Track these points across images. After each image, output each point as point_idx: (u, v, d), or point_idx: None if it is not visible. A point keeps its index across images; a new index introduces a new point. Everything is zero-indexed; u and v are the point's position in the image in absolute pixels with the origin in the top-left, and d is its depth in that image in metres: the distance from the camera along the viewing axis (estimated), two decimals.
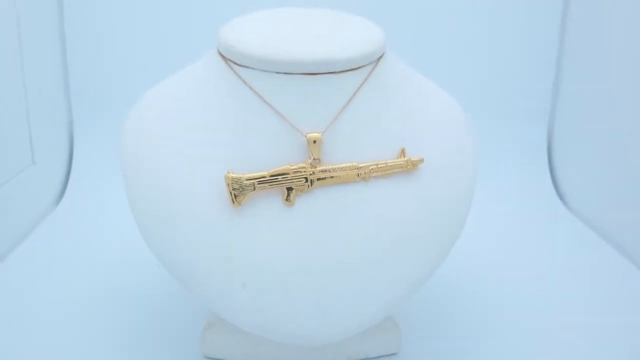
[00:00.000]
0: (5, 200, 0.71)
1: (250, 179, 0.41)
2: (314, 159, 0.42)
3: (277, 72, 0.42)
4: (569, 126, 0.93)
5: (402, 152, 0.44)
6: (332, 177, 0.42)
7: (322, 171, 0.42)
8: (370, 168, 0.43)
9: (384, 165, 0.43)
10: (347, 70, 0.43)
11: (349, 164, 0.42)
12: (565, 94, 0.94)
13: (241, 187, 0.41)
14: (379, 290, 0.42)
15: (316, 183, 0.42)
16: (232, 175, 0.41)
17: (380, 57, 0.46)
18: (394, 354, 0.52)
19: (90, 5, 0.88)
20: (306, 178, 0.42)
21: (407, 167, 0.43)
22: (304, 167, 0.42)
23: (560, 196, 0.89)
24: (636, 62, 0.76)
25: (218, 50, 0.46)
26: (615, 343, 0.55)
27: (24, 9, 0.76)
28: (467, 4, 0.92)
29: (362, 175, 0.43)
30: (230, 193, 0.41)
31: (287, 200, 0.42)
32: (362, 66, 0.44)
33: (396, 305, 0.43)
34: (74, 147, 0.90)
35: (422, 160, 0.44)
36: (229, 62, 0.44)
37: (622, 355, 0.53)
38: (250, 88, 0.43)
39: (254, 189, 0.41)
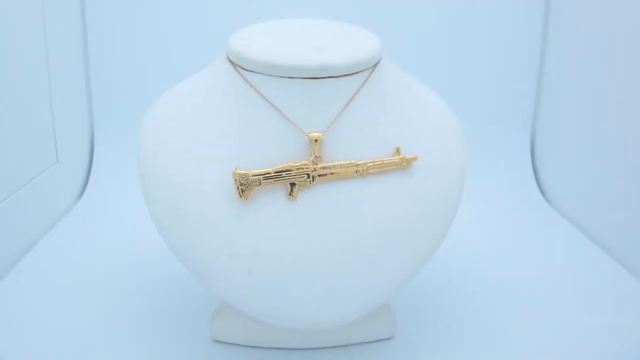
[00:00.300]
0: (30, 196, 0.74)
1: (256, 175, 0.43)
2: (315, 156, 0.44)
3: (281, 77, 0.45)
4: (551, 128, 0.94)
5: (397, 151, 0.46)
6: (332, 173, 0.44)
7: (322, 168, 0.44)
8: (368, 165, 0.45)
9: (380, 162, 0.45)
10: (345, 75, 0.46)
11: (347, 162, 0.45)
12: (547, 97, 0.95)
13: (248, 182, 0.43)
14: (375, 279, 0.44)
15: (317, 179, 0.44)
16: (239, 171, 0.43)
17: (377, 63, 0.48)
18: (389, 339, 0.55)
19: (112, 11, 0.92)
20: (308, 174, 0.44)
21: (402, 165, 0.46)
22: (306, 164, 0.44)
23: (545, 196, 0.91)
24: (617, 64, 0.77)
25: (227, 56, 0.48)
26: (600, 340, 0.55)
27: (49, 13, 0.79)
28: (450, 14, 0.95)
29: (360, 171, 0.45)
30: (238, 188, 0.43)
31: (290, 194, 0.44)
32: (360, 71, 0.46)
33: (391, 294, 0.46)
34: (94, 146, 0.94)
35: (415, 158, 0.46)
36: (237, 67, 0.47)
37: (608, 353, 0.54)
38: (257, 91, 0.45)
39: (260, 184, 0.43)
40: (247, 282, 0.43)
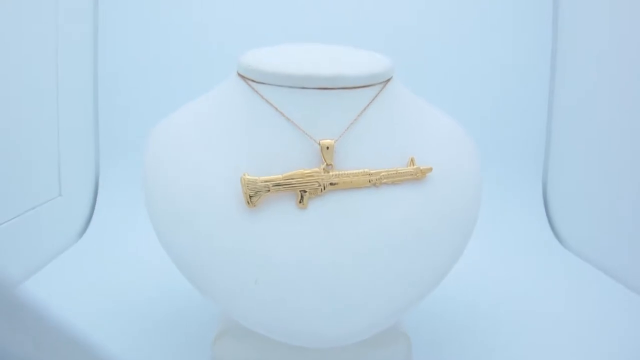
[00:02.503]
0: (30, 230, 0.72)
1: (265, 182, 0.42)
2: (327, 164, 0.43)
3: (292, 87, 0.44)
4: (563, 168, 0.95)
5: (412, 161, 0.45)
6: (344, 182, 0.43)
7: (334, 176, 0.43)
8: (382, 174, 0.44)
9: (395, 172, 0.44)
10: (358, 87, 0.45)
11: (360, 170, 0.43)
12: (557, 135, 0.96)
13: (256, 188, 0.42)
14: (387, 293, 0.42)
15: (329, 187, 0.43)
16: (247, 177, 0.42)
17: (389, 80, 0.48)
18: None
19: (123, 43, 0.94)
20: (319, 182, 0.43)
21: (417, 175, 0.44)
22: (317, 172, 0.43)
23: (556, 234, 0.91)
24: (626, 101, 0.78)
25: (238, 72, 0.48)
26: None
27: (62, 41, 0.80)
28: (456, 55, 0.98)
29: (373, 181, 0.43)
30: (246, 194, 0.42)
31: (300, 203, 0.42)
32: (372, 85, 0.46)
33: (405, 310, 0.43)
34: (99, 181, 0.93)
35: (430, 169, 0.45)
36: (247, 81, 0.46)
37: None
38: (267, 102, 0.45)
39: (269, 190, 0.42)
40: (253, 292, 0.41)
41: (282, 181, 0.42)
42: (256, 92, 0.45)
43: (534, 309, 0.65)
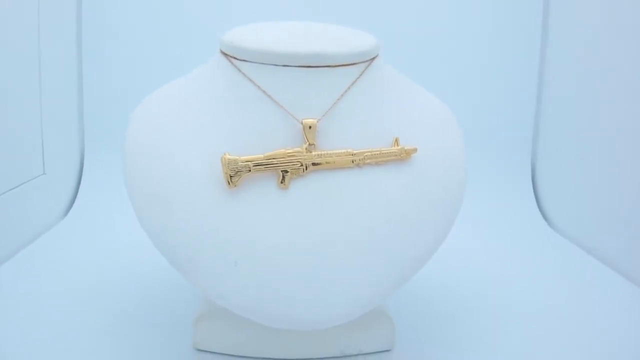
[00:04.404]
0: (13, 208, 0.71)
1: (245, 162, 0.41)
2: (309, 144, 0.42)
3: (275, 65, 0.43)
4: (552, 149, 0.94)
5: (396, 142, 0.44)
6: (327, 162, 0.42)
7: (317, 156, 0.42)
8: (365, 155, 0.43)
9: (378, 152, 0.43)
10: (342, 65, 0.44)
11: (343, 150, 0.43)
12: (547, 116, 0.96)
13: (237, 168, 0.41)
14: (371, 274, 0.41)
15: (311, 167, 0.42)
16: (228, 157, 0.41)
17: (374, 58, 0.47)
18: (387, 351, 0.50)
19: (108, 22, 0.92)
20: (301, 162, 0.42)
21: (401, 156, 0.44)
22: (300, 152, 0.42)
23: (544, 216, 0.90)
24: (618, 82, 0.77)
25: (220, 50, 0.47)
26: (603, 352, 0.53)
27: (44, 18, 0.78)
28: (450, 33, 0.96)
29: (356, 161, 0.43)
30: (226, 174, 0.41)
31: (281, 183, 0.42)
32: (356, 63, 0.45)
33: (388, 293, 0.42)
34: (84, 160, 0.91)
35: (415, 150, 0.44)
36: (230, 58, 0.45)
37: None
38: (250, 80, 0.43)
39: (249, 170, 0.41)
40: (233, 273, 0.40)
41: (263, 161, 0.41)
42: (238, 70, 0.44)
43: (520, 293, 0.64)
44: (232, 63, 0.45)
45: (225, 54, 0.46)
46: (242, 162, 0.41)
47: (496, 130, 0.97)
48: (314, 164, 0.42)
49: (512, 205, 0.91)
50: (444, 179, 0.45)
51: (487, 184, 0.92)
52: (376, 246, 0.42)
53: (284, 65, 0.43)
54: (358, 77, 0.45)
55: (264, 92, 0.43)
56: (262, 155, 0.41)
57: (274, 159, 0.41)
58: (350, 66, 0.44)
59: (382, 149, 0.43)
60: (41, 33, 0.78)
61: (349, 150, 0.43)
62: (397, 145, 0.44)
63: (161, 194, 0.42)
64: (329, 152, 0.42)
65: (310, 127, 0.42)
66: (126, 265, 0.67)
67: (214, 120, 0.44)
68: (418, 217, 0.43)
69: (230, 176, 0.41)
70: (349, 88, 0.44)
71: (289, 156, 0.42)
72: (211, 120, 0.44)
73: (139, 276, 0.64)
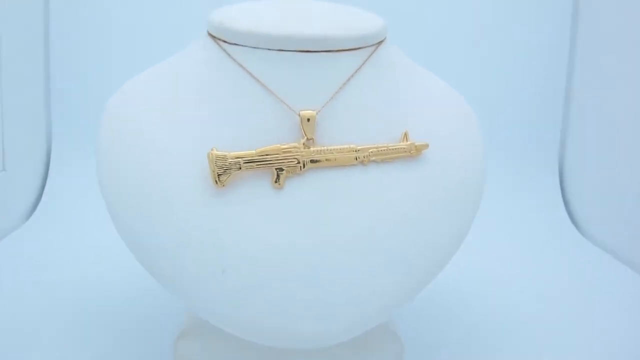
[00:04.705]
0: None
1: (235, 158, 0.41)
2: (307, 138, 0.42)
3: (270, 49, 0.43)
4: (582, 143, 0.95)
5: (405, 136, 0.44)
6: (327, 159, 0.42)
7: (315, 152, 0.42)
8: (370, 151, 0.43)
9: (385, 148, 0.43)
10: (344, 50, 0.44)
11: (346, 146, 0.42)
12: (576, 117, 0.96)
13: (225, 166, 0.41)
14: (376, 285, 0.41)
15: (309, 165, 0.42)
16: (216, 152, 0.41)
17: (381, 42, 0.47)
18: None
19: (75, 9, 0.92)
20: (298, 159, 0.42)
21: (411, 152, 0.44)
22: (296, 147, 0.42)
23: (574, 220, 0.91)
24: None
25: (208, 31, 0.47)
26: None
27: (5, 7, 0.78)
28: (472, 14, 0.96)
29: (360, 158, 0.43)
30: (213, 172, 0.41)
31: (276, 182, 0.42)
32: (361, 47, 0.45)
33: (396, 306, 0.43)
34: (51, 155, 0.90)
35: (427, 146, 0.44)
36: (218, 41, 0.45)
37: None
38: (240, 66, 0.43)
39: (240, 168, 0.41)
40: (221, 284, 0.40)
41: (255, 157, 0.41)
42: (228, 54, 0.44)
43: (549, 307, 0.65)
44: (220, 47, 0.45)
45: (213, 36, 0.46)
46: (232, 159, 0.41)
47: (519, 125, 0.97)
48: (312, 161, 0.42)
49: (536, 208, 0.91)
50: (460, 178, 0.45)
51: (509, 184, 0.92)
52: (382, 254, 0.42)
53: (279, 50, 0.43)
54: (363, 64, 0.45)
55: (256, 79, 0.43)
56: (254, 151, 0.41)
57: (267, 155, 0.41)
58: (354, 51, 0.44)
59: (390, 144, 0.43)
60: (3, 23, 0.77)
61: (352, 145, 0.42)
62: (407, 141, 0.44)
63: (139, 194, 0.42)
64: (329, 147, 0.42)
65: (308, 120, 0.42)
66: (98, 275, 0.67)
67: (200, 111, 0.44)
68: (430, 221, 0.43)
69: (218, 174, 0.41)
70: (352, 75, 0.44)
71: (284, 152, 0.41)
72: (197, 112, 0.44)
73: (112, 287, 0.64)
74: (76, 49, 0.93)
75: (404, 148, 0.44)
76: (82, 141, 0.89)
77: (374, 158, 0.43)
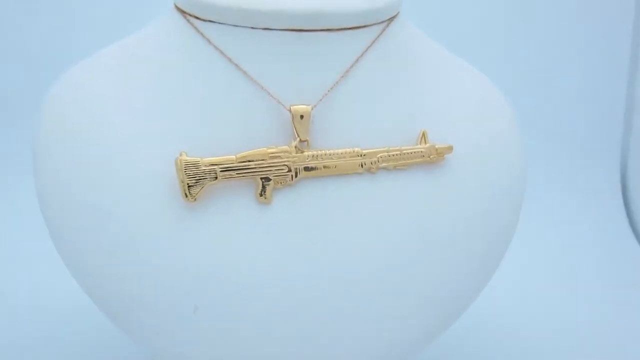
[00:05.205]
0: None
1: (210, 165, 0.41)
2: (300, 140, 0.42)
3: (253, 28, 0.43)
4: None
5: (424, 137, 0.44)
6: (325, 166, 0.42)
7: (311, 157, 0.42)
8: (379, 155, 0.43)
9: (398, 152, 0.43)
10: (348, 28, 0.44)
11: (349, 150, 0.42)
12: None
13: (198, 175, 0.41)
14: (387, 323, 0.42)
15: (303, 174, 0.42)
16: (185, 158, 0.41)
17: (393, 18, 0.47)
18: None
19: None
20: (289, 166, 0.42)
21: (430, 157, 0.44)
22: (287, 151, 0.42)
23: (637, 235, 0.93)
24: None
25: (175, 5, 0.47)
26: None
27: None
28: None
29: (367, 165, 0.43)
30: (183, 183, 0.40)
31: (261, 196, 0.41)
32: (368, 25, 0.45)
33: (414, 348, 0.43)
34: None
35: (450, 149, 0.44)
36: (189, 17, 0.45)
37: None
38: (217, 48, 0.43)
39: (216, 178, 0.41)
40: (192, 324, 0.40)
41: (235, 164, 0.41)
42: (200, 34, 0.44)
43: (612, 341, 0.67)
44: (191, 24, 0.45)
45: (181, 11, 0.45)
46: (206, 166, 0.41)
47: (572, 125, 0.99)
48: (307, 169, 0.42)
49: (593, 223, 0.92)
50: (493, 189, 0.46)
51: (557, 196, 0.93)
52: (395, 285, 0.42)
53: (265, 29, 0.43)
54: (370, 45, 0.45)
55: (236, 65, 0.43)
56: (233, 157, 0.41)
57: (250, 161, 0.41)
58: (359, 30, 0.44)
59: (404, 147, 0.43)
60: None
61: (356, 149, 0.42)
62: (425, 142, 0.44)
63: (89, 213, 0.42)
64: (328, 151, 0.42)
65: (302, 117, 0.42)
66: (35, 309, 0.67)
67: (165, 106, 0.44)
68: (456, 244, 0.44)
69: (189, 185, 0.40)
70: (356, 61, 0.44)
71: (271, 157, 0.41)
72: (161, 107, 0.44)
73: (57, 324, 0.64)
74: (9, 24, 0.93)
75: (422, 152, 0.44)
76: (16, 142, 0.89)
77: (384, 165, 0.43)
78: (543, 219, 0.85)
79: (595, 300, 0.76)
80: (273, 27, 0.43)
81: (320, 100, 0.43)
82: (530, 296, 0.75)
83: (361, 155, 0.43)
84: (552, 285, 0.78)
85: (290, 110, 0.42)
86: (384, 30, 0.46)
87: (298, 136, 0.42)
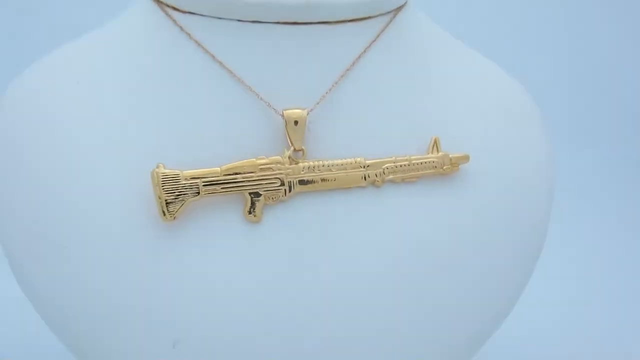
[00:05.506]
0: None
1: (192, 178, 0.41)
2: (294, 150, 0.42)
3: (240, 20, 0.43)
4: None
5: (436, 145, 0.44)
6: (323, 179, 0.42)
7: (307, 169, 0.42)
8: (385, 167, 0.43)
9: (406, 163, 0.43)
10: (348, 21, 0.44)
11: (350, 160, 0.43)
12: None
13: (177, 190, 0.41)
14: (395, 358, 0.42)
15: (298, 188, 0.42)
16: (163, 171, 0.41)
17: (401, 7, 0.47)
18: None
19: None
20: (281, 180, 0.42)
21: (444, 168, 0.44)
22: (279, 163, 0.42)
23: None
24: None
25: None
26: None
27: None
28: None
29: (371, 177, 0.43)
30: (160, 199, 0.40)
31: (250, 213, 0.42)
32: (372, 16, 0.45)
33: None
34: None
35: (466, 158, 0.44)
36: (166, 8, 0.45)
37: None
38: (199, 44, 0.43)
39: (198, 193, 0.41)
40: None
41: (220, 178, 0.41)
42: (180, 27, 0.44)
43: None
44: (169, 16, 0.45)
45: (158, 1, 0.46)
46: (187, 180, 0.41)
47: (608, 132, 0.99)
48: (302, 183, 0.42)
49: (629, 243, 0.92)
50: (516, 204, 0.46)
51: (589, 212, 0.93)
52: (402, 312, 0.42)
53: (254, 22, 0.43)
54: (374, 40, 0.45)
55: (220, 63, 0.43)
56: (218, 169, 0.41)
57: (237, 174, 0.42)
58: (362, 22, 0.45)
59: (414, 156, 0.44)
60: None
61: (358, 159, 0.43)
62: (438, 151, 0.44)
63: (52, 235, 0.42)
64: (326, 162, 0.43)
65: (296, 123, 0.42)
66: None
67: (139, 110, 0.43)
68: (474, 267, 0.44)
69: (167, 202, 0.41)
70: (359, 58, 0.44)
71: (261, 170, 0.42)
72: (134, 111, 0.43)
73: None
74: None
75: (434, 162, 0.44)
76: None
77: (390, 177, 0.43)
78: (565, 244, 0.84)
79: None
80: (263, 20, 0.43)
81: (318, 103, 0.43)
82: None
83: (364, 167, 0.43)
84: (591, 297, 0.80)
85: (282, 115, 0.42)
86: (390, 22, 0.46)
87: (292, 145, 0.43)
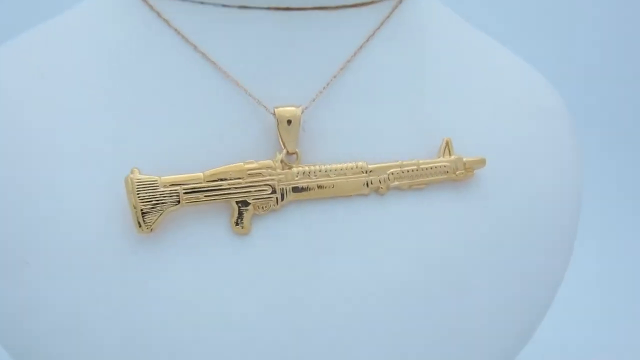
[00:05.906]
0: None
1: (171, 185, 0.42)
2: (287, 153, 0.43)
3: (225, 6, 0.44)
4: None
5: (447, 147, 0.45)
6: (319, 185, 0.43)
7: (301, 175, 0.43)
8: (390, 172, 0.44)
9: (414, 167, 0.44)
10: (349, 6, 0.45)
11: (350, 164, 0.43)
12: None
13: (155, 198, 0.41)
14: None
15: (291, 196, 0.43)
16: (139, 176, 0.41)
17: None
18: None
19: None
20: (273, 186, 0.42)
21: (457, 173, 0.45)
22: (270, 167, 0.43)
23: None
24: None
25: None
26: None
27: None
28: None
29: (374, 184, 0.44)
30: (135, 208, 0.41)
31: (237, 225, 0.42)
32: (376, 1, 0.46)
33: None
34: None
35: (482, 162, 0.45)
36: None
37: None
38: (178, 33, 0.44)
39: (179, 202, 0.41)
40: None
41: (203, 184, 0.42)
42: (157, 13, 0.45)
43: None
44: (145, 1, 0.45)
45: None
46: (165, 187, 0.42)
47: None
48: (296, 190, 0.43)
49: None
50: (539, 213, 0.47)
51: (621, 221, 0.96)
52: (408, 331, 0.43)
53: (241, 7, 0.44)
54: (377, 28, 0.46)
55: (202, 54, 0.44)
56: (201, 174, 0.42)
57: (223, 180, 0.42)
58: (364, 7, 0.46)
59: (422, 160, 0.44)
60: None
61: (360, 163, 0.44)
62: (450, 154, 0.45)
63: (15, 251, 0.42)
64: (323, 167, 0.44)
65: (289, 122, 0.43)
66: None
67: (111, 105, 0.44)
68: (491, 287, 0.44)
69: (143, 212, 0.41)
70: (360, 48, 0.45)
71: (250, 175, 0.43)
72: (105, 106, 0.44)
73: None
74: None
75: (446, 166, 0.45)
76: None
77: (396, 183, 0.44)
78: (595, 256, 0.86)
79: None
80: (251, 5, 0.44)
81: (313, 100, 0.44)
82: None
83: (367, 172, 0.44)
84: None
85: (274, 114, 0.43)
86: (396, 7, 0.47)
87: (284, 147, 0.43)
